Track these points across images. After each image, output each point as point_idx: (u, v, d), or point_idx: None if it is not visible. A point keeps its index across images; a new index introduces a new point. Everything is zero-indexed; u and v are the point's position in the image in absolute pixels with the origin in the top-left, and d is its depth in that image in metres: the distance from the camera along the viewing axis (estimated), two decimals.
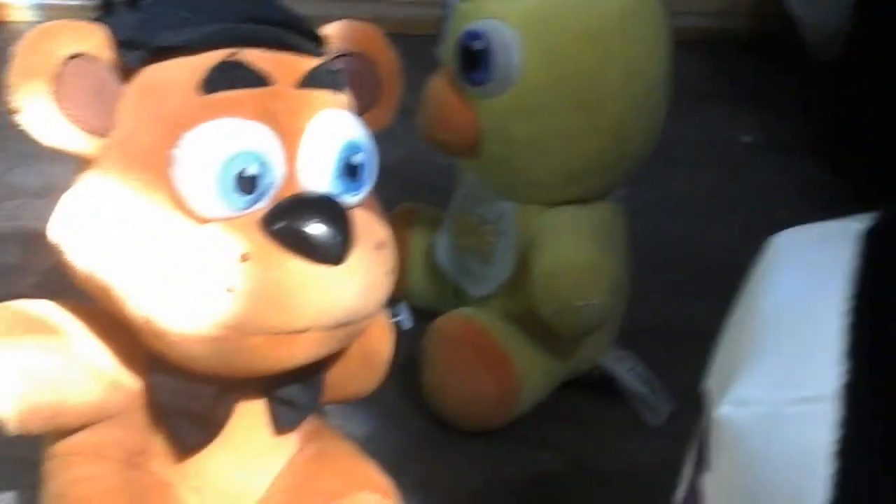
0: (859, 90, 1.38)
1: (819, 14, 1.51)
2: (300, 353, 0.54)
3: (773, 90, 1.56)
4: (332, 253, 0.51)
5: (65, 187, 1.01)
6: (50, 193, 1.00)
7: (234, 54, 0.51)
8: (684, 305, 1.04)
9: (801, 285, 0.42)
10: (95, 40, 0.51)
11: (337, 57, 0.57)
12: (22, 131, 1.10)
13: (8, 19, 1.39)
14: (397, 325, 0.67)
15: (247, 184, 0.50)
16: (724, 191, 1.29)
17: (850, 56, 1.43)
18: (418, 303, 0.92)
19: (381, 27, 0.59)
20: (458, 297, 0.88)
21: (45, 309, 0.56)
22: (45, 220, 0.97)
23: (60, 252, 0.53)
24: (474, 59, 0.75)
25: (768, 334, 0.41)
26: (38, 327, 0.55)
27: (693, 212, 1.22)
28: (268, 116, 0.51)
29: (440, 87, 0.78)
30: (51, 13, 1.40)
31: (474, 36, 0.75)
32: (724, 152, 1.38)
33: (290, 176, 0.52)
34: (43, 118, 0.50)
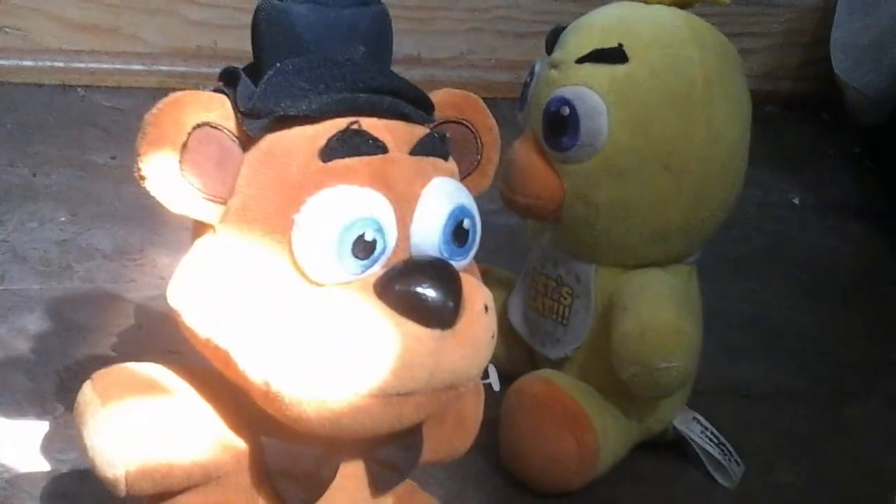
0: None
1: (865, 79, 1.52)
2: (407, 415, 0.54)
3: (820, 152, 1.58)
4: (444, 316, 0.52)
5: (137, 249, 1.05)
6: (123, 256, 1.04)
7: (353, 123, 0.52)
8: (745, 367, 1.04)
9: None
10: (220, 110, 0.52)
11: (443, 123, 0.59)
12: (91, 195, 1.13)
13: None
14: (486, 387, 0.68)
15: (364, 249, 0.51)
16: (779, 252, 1.29)
17: None
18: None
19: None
20: (533, 360, 0.89)
21: (155, 370, 0.57)
22: (119, 281, 1.01)
23: (178, 316, 0.54)
24: (562, 126, 0.77)
25: None
26: (149, 388, 0.56)
27: (750, 273, 1.23)
28: (383, 183, 0.52)
29: (525, 152, 0.79)
30: (122, 78, 1.43)
31: (562, 102, 0.77)
32: (775, 214, 1.39)
33: (402, 241, 0.53)
34: (170, 186, 0.51)
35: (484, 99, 0.61)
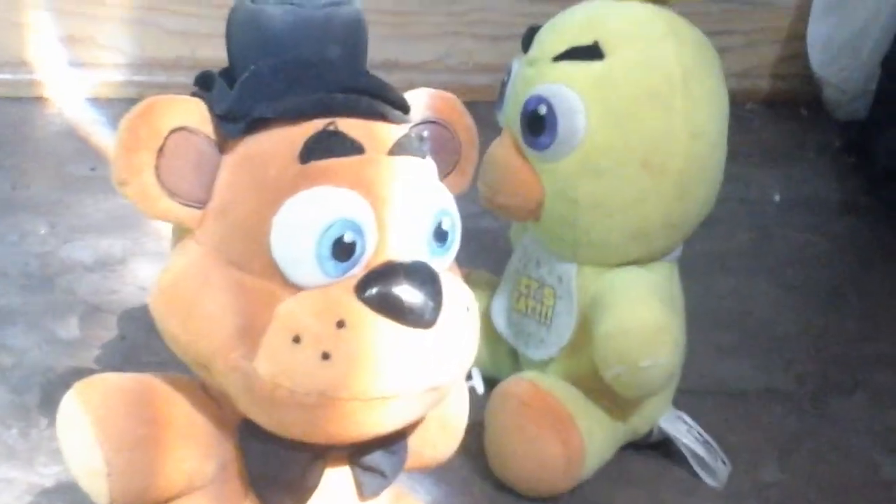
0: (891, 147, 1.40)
1: (842, 75, 1.53)
2: (391, 418, 0.54)
3: (799, 149, 1.58)
4: (424, 317, 0.52)
5: (118, 260, 1.04)
6: (103, 267, 1.04)
7: (330, 124, 0.52)
8: (730, 365, 1.04)
9: None
10: (196, 114, 0.52)
11: (421, 124, 0.59)
12: (71, 207, 1.13)
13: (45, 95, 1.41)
14: (470, 390, 0.68)
15: (343, 251, 0.51)
16: (761, 249, 1.30)
17: (879, 113, 1.45)
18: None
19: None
20: (516, 362, 0.88)
21: (137, 380, 0.57)
22: (101, 293, 1.00)
23: (159, 322, 0.54)
24: (539, 124, 0.77)
25: None
26: (131, 398, 0.55)
27: (733, 270, 1.23)
28: (361, 184, 0.52)
29: (503, 151, 0.79)
30: (100, 90, 1.42)
31: (540, 100, 0.76)
32: (757, 211, 1.39)
33: (381, 243, 0.53)
34: (147, 191, 0.51)
35: (463, 102, 0.61)
